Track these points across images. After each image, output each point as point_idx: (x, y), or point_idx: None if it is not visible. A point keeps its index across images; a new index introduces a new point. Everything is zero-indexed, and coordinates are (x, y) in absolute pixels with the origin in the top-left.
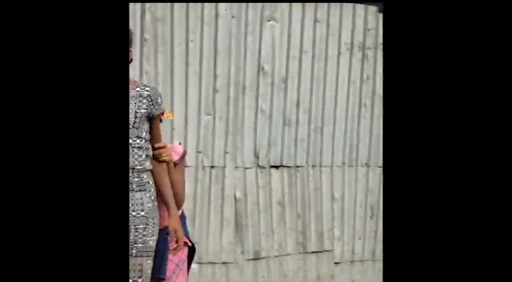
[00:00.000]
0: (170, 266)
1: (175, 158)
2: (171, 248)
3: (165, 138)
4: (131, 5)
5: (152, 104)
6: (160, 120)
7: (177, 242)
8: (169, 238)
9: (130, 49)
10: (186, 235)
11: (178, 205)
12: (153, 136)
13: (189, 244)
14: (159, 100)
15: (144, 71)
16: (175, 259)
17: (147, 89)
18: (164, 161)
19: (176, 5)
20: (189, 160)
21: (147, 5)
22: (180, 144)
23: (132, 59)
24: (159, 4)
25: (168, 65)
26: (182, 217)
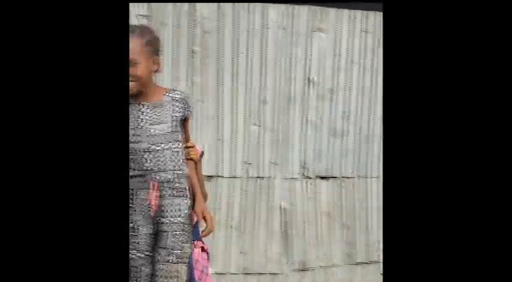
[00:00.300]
0: (196, 273)
1: None
2: (200, 232)
3: (213, 149)
4: (182, 18)
5: (185, 107)
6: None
7: (206, 223)
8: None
9: (156, 57)
10: (200, 240)
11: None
12: (184, 138)
13: (206, 248)
14: (189, 102)
15: (193, 83)
16: (199, 266)
17: (177, 92)
18: (191, 159)
19: (225, 17)
20: (237, 171)
21: (198, 17)
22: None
23: (158, 68)
24: (209, 16)
25: (216, 77)
26: (197, 223)
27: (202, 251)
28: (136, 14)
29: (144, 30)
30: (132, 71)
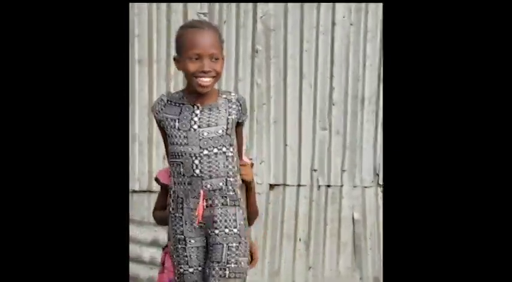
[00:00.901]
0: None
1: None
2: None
3: (278, 156)
4: (244, 15)
5: (240, 109)
6: None
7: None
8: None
9: (222, 57)
10: None
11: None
12: (237, 145)
13: None
14: (245, 105)
15: (255, 84)
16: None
17: (233, 94)
18: (243, 181)
19: (290, 13)
20: (304, 179)
21: (259, 13)
22: (250, 159)
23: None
24: (272, 13)
25: (280, 77)
26: None
27: None
28: (198, 11)
29: (215, 26)
30: (211, 66)
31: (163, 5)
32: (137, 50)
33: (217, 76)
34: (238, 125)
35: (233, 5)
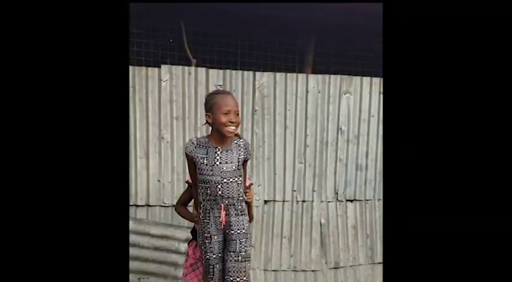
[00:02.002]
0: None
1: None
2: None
3: (269, 181)
4: (247, 85)
5: (246, 152)
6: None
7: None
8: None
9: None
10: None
11: None
12: (244, 175)
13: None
14: (249, 148)
15: (254, 133)
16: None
17: (241, 140)
18: (246, 202)
19: (277, 84)
20: (287, 196)
21: (257, 84)
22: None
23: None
24: (266, 84)
25: (271, 128)
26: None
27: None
28: (215, 83)
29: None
30: (236, 118)
31: (192, 77)
32: (175, 109)
33: (238, 125)
34: (245, 161)
35: (239, 76)
